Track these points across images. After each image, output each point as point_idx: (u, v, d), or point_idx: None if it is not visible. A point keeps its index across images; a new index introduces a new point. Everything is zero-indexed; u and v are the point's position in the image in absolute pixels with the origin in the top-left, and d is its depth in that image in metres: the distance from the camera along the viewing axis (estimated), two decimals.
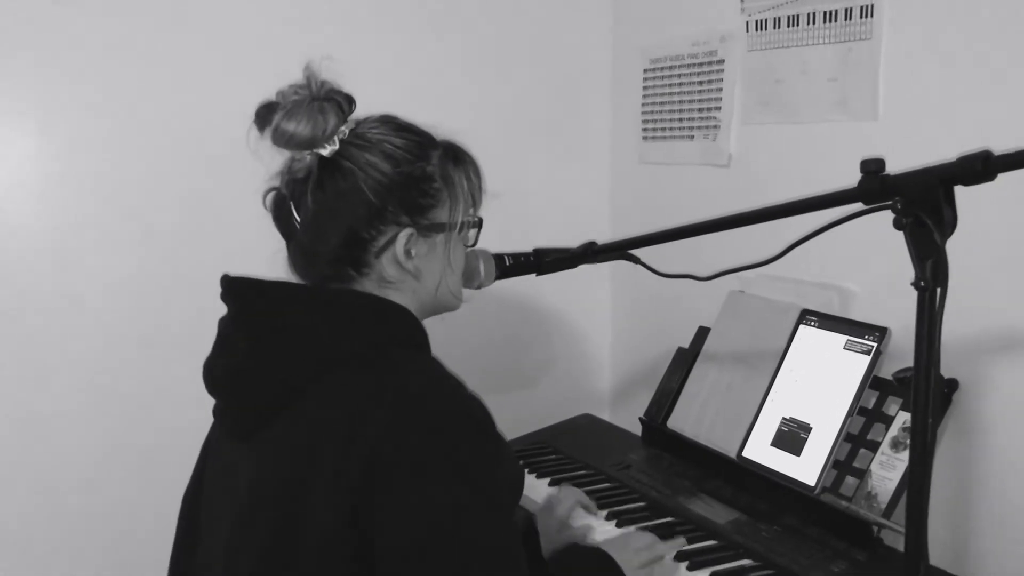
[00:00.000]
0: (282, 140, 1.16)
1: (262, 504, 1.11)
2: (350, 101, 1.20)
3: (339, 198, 1.16)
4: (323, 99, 1.17)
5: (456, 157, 1.26)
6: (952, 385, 1.55)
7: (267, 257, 1.24)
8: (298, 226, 1.19)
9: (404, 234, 1.18)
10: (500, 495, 1.10)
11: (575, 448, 2.02)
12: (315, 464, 1.06)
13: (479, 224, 1.31)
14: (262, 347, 1.15)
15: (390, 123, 1.22)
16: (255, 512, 1.12)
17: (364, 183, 1.16)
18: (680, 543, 1.53)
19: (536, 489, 1.81)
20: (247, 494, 1.14)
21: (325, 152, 1.16)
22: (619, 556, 1.41)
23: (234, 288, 1.21)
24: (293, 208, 1.19)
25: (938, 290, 0.98)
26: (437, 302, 1.26)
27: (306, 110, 1.15)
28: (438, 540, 1.02)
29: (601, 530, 1.62)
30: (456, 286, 1.29)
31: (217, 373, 1.21)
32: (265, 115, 1.17)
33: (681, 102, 2.22)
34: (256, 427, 1.14)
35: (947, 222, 1.00)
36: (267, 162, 1.20)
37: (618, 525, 1.64)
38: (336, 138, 1.17)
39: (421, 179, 1.20)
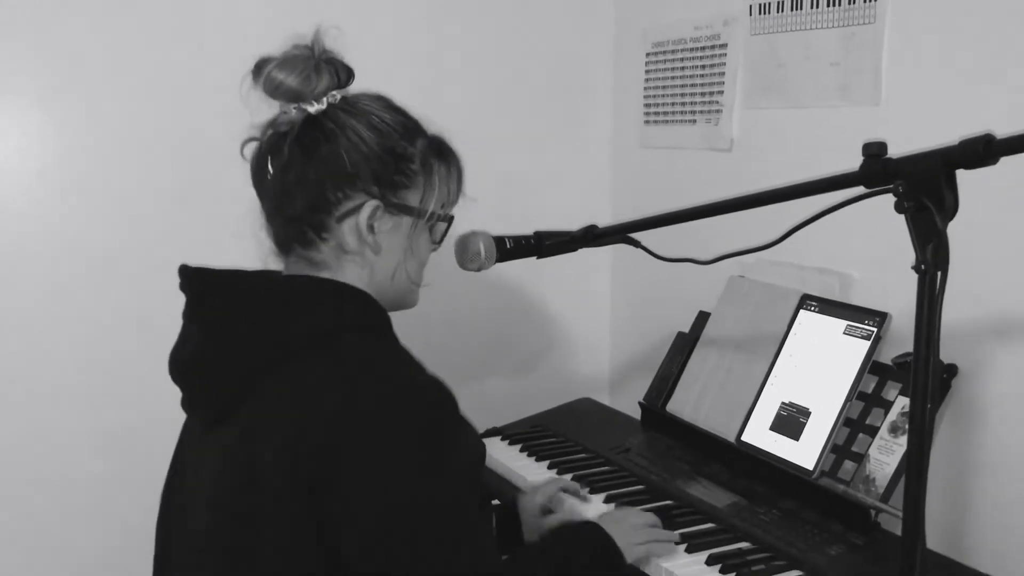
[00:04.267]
0: (270, 87, 1.15)
1: (225, 496, 1.11)
2: (348, 72, 1.20)
3: (314, 155, 1.15)
4: (321, 60, 1.16)
5: (441, 151, 1.24)
6: (951, 370, 1.55)
7: (254, 245, 1.23)
8: (269, 179, 1.18)
9: (370, 205, 1.17)
10: (453, 476, 1.09)
11: (574, 432, 2.03)
12: (270, 453, 1.06)
13: (449, 220, 1.28)
14: (217, 335, 1.15)
15: (383, 100, 1.22)
16: (220, 504, 1.12)
17: (343, 147, 1.15)
18: (675, 535, 1.48)
19: (530, 470, 1.83)
20: (212, 486, 1.14)
21: (311, 109, 1.16)
22: (615, 531, 1.37)
23: (189, 278, 1.21)
24: (269, 160, 1.17)
25: (938, 274, 0.98)
26: (395, 287, 1.23)
27: (301, 64, 1.15)
28: (391, 522, 1.03)
29: (594, 509, 1.61)
30: (416, 274, 1.25)
31: (178, 363, 1.20)
32: (262, 65, 1.17)
33: (683, 86, 2.21)
34: (218, 417, 1.14)
35: (948, 206, 1.00)
36: (255, 118, 1.20)
37: (607, 501, 1.66)
38: (325, 99, 1.16)
39: (401, 157, 1.19)
